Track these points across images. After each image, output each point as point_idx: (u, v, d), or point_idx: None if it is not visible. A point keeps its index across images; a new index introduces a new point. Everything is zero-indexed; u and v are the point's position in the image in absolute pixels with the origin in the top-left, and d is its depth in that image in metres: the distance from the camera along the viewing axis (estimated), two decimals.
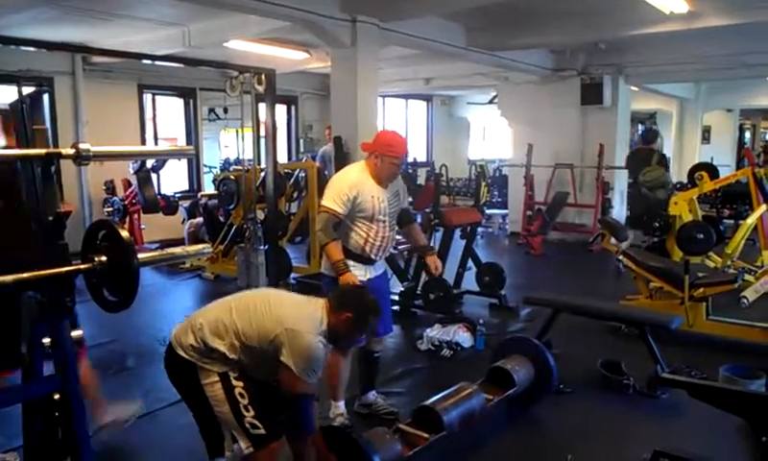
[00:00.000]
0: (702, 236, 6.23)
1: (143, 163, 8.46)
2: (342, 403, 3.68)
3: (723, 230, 7.09)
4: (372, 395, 3.90)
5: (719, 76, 11.60)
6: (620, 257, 5.64)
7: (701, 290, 5.02)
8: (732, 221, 8.73)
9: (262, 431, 2.46)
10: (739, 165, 14.60)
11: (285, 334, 2.44)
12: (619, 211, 10.47)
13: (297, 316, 2.54)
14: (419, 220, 7.96)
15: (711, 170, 7.78)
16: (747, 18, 6.62)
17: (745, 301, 4.71)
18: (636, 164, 8.33)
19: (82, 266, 1.71)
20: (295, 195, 8.33)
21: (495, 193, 12.61)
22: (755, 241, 7.08)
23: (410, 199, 7.48)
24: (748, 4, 6.40)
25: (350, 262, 3.41)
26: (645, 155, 8.26)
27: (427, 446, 3.10)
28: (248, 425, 2.44)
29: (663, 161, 8.25)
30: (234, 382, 2.48)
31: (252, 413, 2.45)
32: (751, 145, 19.71)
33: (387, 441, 2.99)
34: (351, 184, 3.39)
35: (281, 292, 2.89)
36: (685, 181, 9.30)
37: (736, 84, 13.52)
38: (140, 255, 1.72)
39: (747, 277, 5.54)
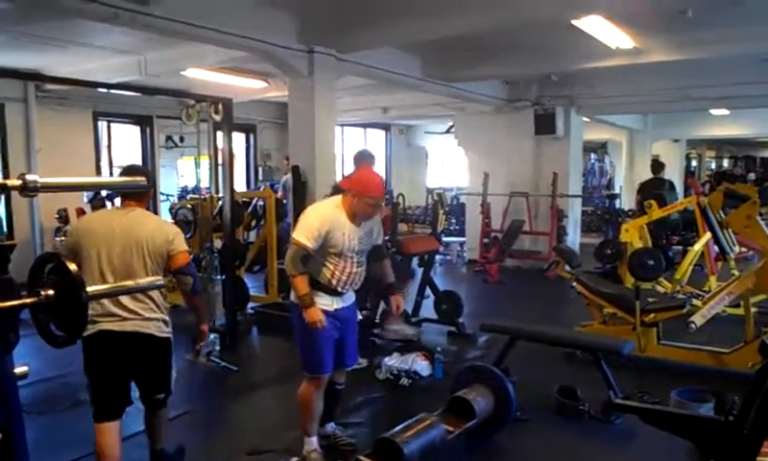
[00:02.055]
0: (652, 263, 6.42)
1: (98, 192, 8.28)
2: (315, 439, 3.62)
3: (672, 256, 7.31)
4: (330, 426, 3.87)
5: (665, 108, 12.12)
6: (574, 284, 5.75)
7: (651, 316, 5.15)
8: (680, 247, 9.02)
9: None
10: (687, 193, 15.14)
11: (172, 237, 3.13)
12: (573, 238, 10.71)
13: (159, 224, 3.24)
14: None
15: (660, 198, 8.05)
16: (688, 55, 6.94)
17: (693, 325, 4.85)
18: (650, 191, 9.00)
19: (27, 300, 1.66)
20: (253, 224, 8.26)
21: (453, 221, 12.76)
22: (702, 267, 7.32)
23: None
24: (689, 41, 6.70)
25: (319, 292, 3.42)
26: (657, 183, 9.14)
27: None
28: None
29: (673, 188, 9.21)
30: None
31: None
32: (697, 174, 20.46)
33: None
34: (323, 220, 3.38)
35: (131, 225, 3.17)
36: (636, 208, 9.64)
37: (682, 115, 14.12)
38: (89, 289, 1.68)
39: (695, 302, 5.71)
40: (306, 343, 3.50)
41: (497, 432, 3.91)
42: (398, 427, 3.35)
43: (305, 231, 3.36)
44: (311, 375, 3.54)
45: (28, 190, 1.66)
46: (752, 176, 17.62)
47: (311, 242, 3.32)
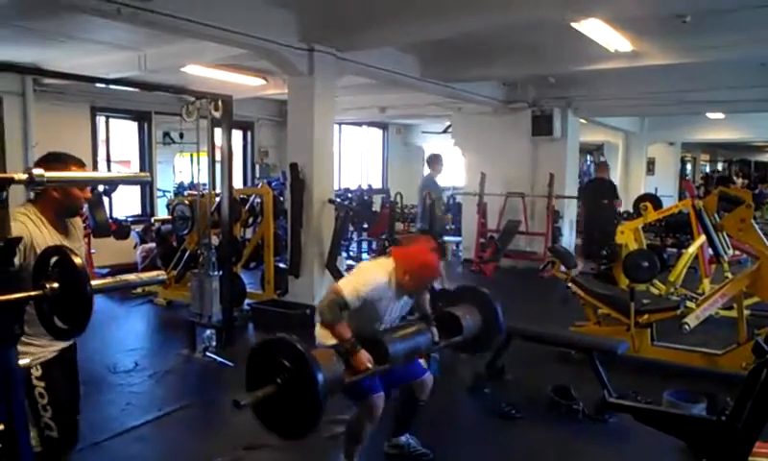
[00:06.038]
0: (647, 264, 6.46)
1: (94, 186, 8.27)
2: None
3: (666, 258, 7.34)
4: (404, 437, 3.72)
5: (662, 111, 12.19)
6: (569, 284, 5.79)
7: (646, 316, 5.20)
8: (675, 249, 9.06)
9: None
10: (681, 196, 15.23)
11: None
12: (569, 239, 10.76)
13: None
14: (373, 246, 8.04)
15: (655, 201, 8.11)
16: (685, 59, 6.97)
17: (687, 327, 4.89)
18: None
19: (32, 293, 1.68)
20: (250, 221, 8.28)
21: (449, 220, 12.78)
22: (696, 269, 7.37)
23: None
24: (686, 45, 6.73)
25: None
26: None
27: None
28: None
29: None
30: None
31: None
32: (692, 177, 20.55)
33: (332, 361, 2.93)
34: (372, 288, 3.20)
35: None
36: (631, 210, 9.69)
37: (678, 119, 14.19)
38: (94, 282, 1.69)
39: (689, 303, 5.75)
40: None
41: (482, 351, 3.90)
42: (386, 327, 3.35)
43: (351, 288, 3.15)
44: (361, 401, 3.21)
45: (35, 184, 1.69)
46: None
47: (352, 300, 3.12)
